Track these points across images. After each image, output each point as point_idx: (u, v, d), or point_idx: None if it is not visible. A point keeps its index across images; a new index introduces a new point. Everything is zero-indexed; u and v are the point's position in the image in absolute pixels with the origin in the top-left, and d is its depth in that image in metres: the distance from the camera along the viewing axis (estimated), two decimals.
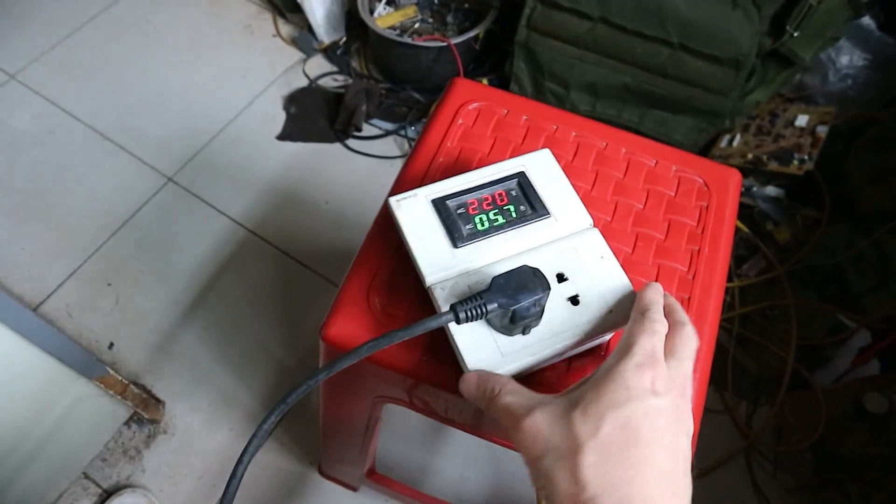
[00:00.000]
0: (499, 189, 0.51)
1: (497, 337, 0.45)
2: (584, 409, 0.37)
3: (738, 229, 1.34)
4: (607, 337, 0.49)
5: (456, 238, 0.48)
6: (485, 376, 0.43)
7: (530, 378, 0.46)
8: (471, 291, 0.44)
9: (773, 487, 1.17)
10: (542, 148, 0.54)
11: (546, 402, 0.39)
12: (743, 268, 1.33)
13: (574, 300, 0.46)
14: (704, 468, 1.17)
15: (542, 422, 0.37)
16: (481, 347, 0.44)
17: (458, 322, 0.42)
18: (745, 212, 1.35)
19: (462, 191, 0.50)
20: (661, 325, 0.41)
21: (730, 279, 1.32)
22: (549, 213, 0.50)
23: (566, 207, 0.50)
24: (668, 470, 0.36)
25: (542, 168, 0.52)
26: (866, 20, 1.31)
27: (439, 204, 0.50)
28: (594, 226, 0.50)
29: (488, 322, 0.45)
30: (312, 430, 1.18)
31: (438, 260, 0.47)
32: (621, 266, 0.48)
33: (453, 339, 0.45)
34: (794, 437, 1.18)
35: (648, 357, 0.38)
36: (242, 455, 0.42)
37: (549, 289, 0.43)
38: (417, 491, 1.02)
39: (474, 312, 0.42)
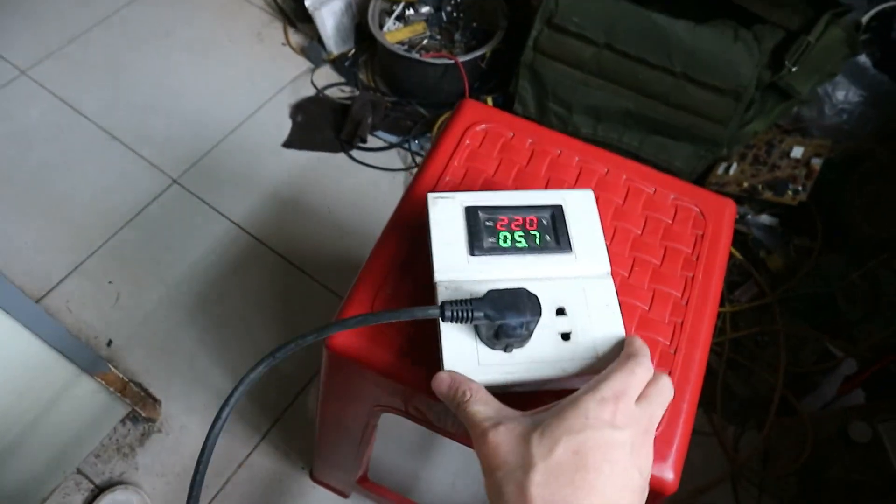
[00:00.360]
0: (532, 215, 0.52)
1: (480, 347, 0.46)
2: (543, 431, 0.38)
3: (731, 255, 1.37)
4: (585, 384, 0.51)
5: (475, 246, 0.50)
6: (458, 379, 0.44)
7: (506, 399, 0.47)
8: (470, 297, 0.46)
9: None
10: (587, 188, 0.55)
11: (512, 418, 0.41)
12: (735, 293, 1.35)
13: (565, 336, 0.47)
14: (691, 491, 1.19)
15: (503, 437, 0.39)
16: (462, 351, 0.46)
17: (444, 319, 0.44)
18: (738, 238, 1.38)
19: (497, 206, 0.52)
20: (643, 370, 0.42)
21: (722, 304, 1.34)
22: (571, 251, 0.51)
23: (590, 249, 0.51)
24: (613, 498, 0.37)
25: (580, 206, 0.53)
26: (862, 58, 1.34)
27: (471, 212, 0.51)
28: (610, 274, 0.51)
29: (476, 330, 0.46)
30: (307, 436, 1.20)
31: (453, 261, 0.49)
32: (622, 319, 0.49)
33: (439, 337, 0.46)
34: (780, 463, 1.20)
35: (614, 393, 0.40)
36: (225, 402, 0.45)
37: (539, 315, 0.44)
38: (408, 499, 1.03)
39: (460, 314, 0.44)
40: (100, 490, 1.12)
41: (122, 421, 1.18)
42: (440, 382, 0.45)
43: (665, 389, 0.43)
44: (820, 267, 1.33)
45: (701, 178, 1.40)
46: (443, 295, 0.48)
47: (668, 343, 0.57)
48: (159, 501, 1.14)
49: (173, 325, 1.30)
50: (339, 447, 0.88)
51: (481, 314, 0.44)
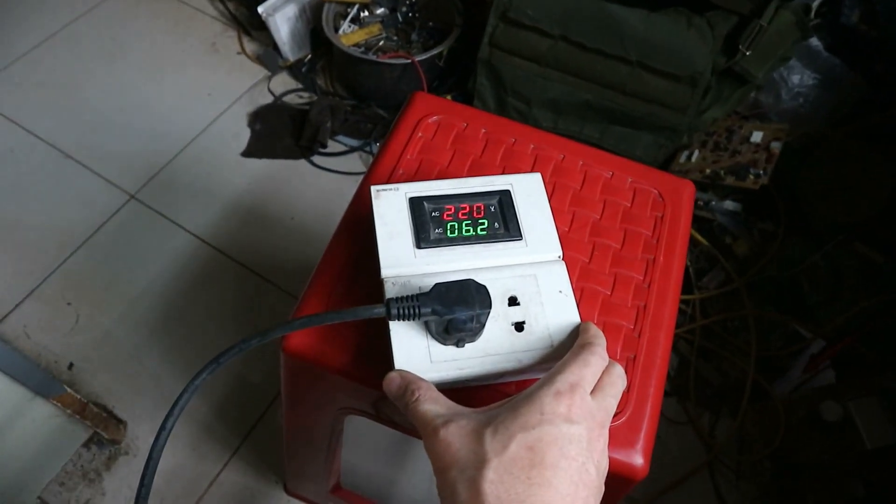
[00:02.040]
0: (479, 202, 0.51)
1: (431, 343, 0.45)
2: (496, 427, 0.37)
3: (697, 242, 1.37)
4: (542, 375, 0.50)
5: (421, 239, 0.48)
6: (408, 378, 0.43)
7: (462, 393, 0.45)
8: (419, 292, 0.44)
9: (735, 497, 1.19)
10: (534, 171, 0.54)
11: (463, 415, 0.39)
12: (703, 280, 1.35)
13: (519, 326, 0.46)
14: (671, 482, 1.18)
15: (455, 434, 0.38)
16: (413, 349, 0.44)
17: (390, 317, 0.43)
18: (704, 225, 1.38)
19: (442, 195, 0.50)
20: (598, 360, 0.42)
21: (690, 291, 1.34)
22: (521, 237, 0.50)
23: (540, 235, 0.50)
24: (568, 495, 0.36)
25: (528, 191, 0.52)
26: (814, 41, 1.36)
27: (416, 203, 0.50)
28: (562, 259, 0.50)
29: (426, 326, 0.45)
30: (279, 448, 1.17)
31: (399, 256, 0.48)
32: (577, 306, 0.47)
33: (389, 336, 0.45)
34: (755, 447, 1.20)
35: (569, 386, 0.39)
36: (170, 413, 0.44)
37: (489, 307, 0.43)
38: None
39: (407, 312, 0.42)
40: None
41: (87, 445, 1.14)
42: (390, 382, 0.43)
43: (618, 380, 0.43)
44: (783, 250, 1.34)
45: (663, 167, 1.40)
46: (390, 292, 0.46)
47: (632, 327, 0.56)
48: None
49: (136, 344, 1.27)
50: (307, 456, 0.86)
51: (428, 310, 0.42)
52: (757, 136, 1.35)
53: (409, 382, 0.42)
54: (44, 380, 0.85)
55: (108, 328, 1.28)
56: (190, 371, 1.23)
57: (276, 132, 1.57)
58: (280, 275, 1.37)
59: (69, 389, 0.92)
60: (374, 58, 1.52)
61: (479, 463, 0.36)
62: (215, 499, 1.13)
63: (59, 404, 0.90)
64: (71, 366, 1.23)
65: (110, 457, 1.15)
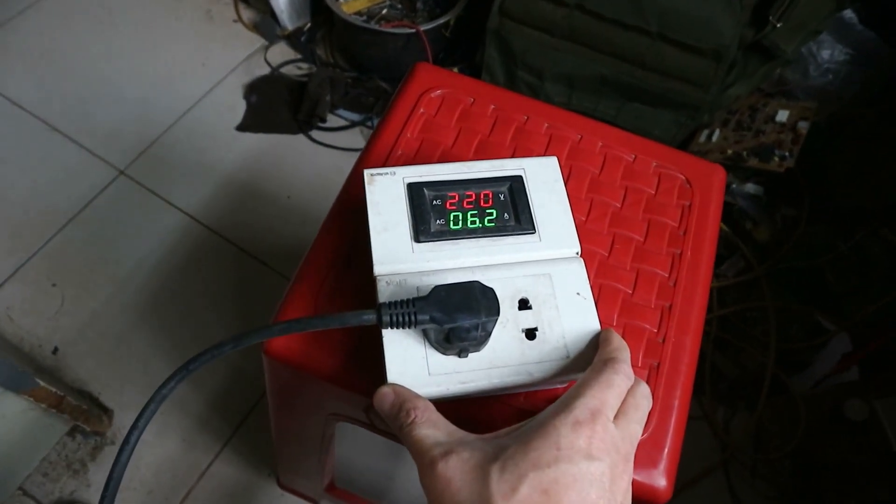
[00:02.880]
0: (487, 189, 0.46)
1: (430, 353, 0.40)
2: (504, 463, 0.32)
3: None
4: (556, 386, 0.44)
5: (420, 232, 0.43)
6: (403, 395, 0.38)
7: (462, 403, 0.41)
8: (417, 294, 0.39)
9: (750, 495, 1.14)
10: (550, 155, 0.49)
11: (466, 444, 0.34)
12: (721, 268, 1.29)
13: (530, 334, 0.41)
14: (684, 480, 1.14)
15: (456, 469, 0.33)
16: (409, 360, 0.40)
17: (381, 325, 0.38)
18: (724, 209, 1.31)
19: (445, 181, 0.45)
20: (623, 379, 0.37)
21: None
22: (534, 230, 0.45)
23: (555, 228, 0.45)
24: None
25: (543, 177, 0.47)
26: (848, 13, 1.27)
27: (415, 189, 0.45)
28: (580, 255, 0.45)
29: (424, 334, 0.40)
30: (272, 440, 1.13)
31: (395, 251, 0.43)
32: (597, 311, 0.43)
33: (382, 344, 0.40)
34: (773, 445, 1.15)
35: (590, 414, 0.34)
36: (133, 426, 0.39)
37: (497, 314, 0.38)
38: None
39: (401, 319, 0.37)
40: None
41: (71, 434, 1.10)
42: (382, 399, 0.38)
43: (643, 401, 0.38)
44: (807, 238, 1.28)
45: (682, 147, 1.34)
46: (384, 293, 0.41)
47: (656, 330, 0.51)
48: None
49: (124, 328, 1.22)
50: (298, 457, 0.81)
51: (426, 317, 0.37)
52: (783, 116, 1.27)
53: (405, 401, 0.37)
54: (12, 374, 0.79)
55: (95, 311, 1.23)
56: (179, 356, 1.19)
57: (273, 105, 1.51)
58: (274, 256, 1.32)
59: (42, 383, 0.85)
60: (376, 27, 1.47)
61: None
62: (206, 491, 1.10)
63: (31, 399, 0.85)
64: (55, 350, 1.19)
65: (96, 447, 1.11)
